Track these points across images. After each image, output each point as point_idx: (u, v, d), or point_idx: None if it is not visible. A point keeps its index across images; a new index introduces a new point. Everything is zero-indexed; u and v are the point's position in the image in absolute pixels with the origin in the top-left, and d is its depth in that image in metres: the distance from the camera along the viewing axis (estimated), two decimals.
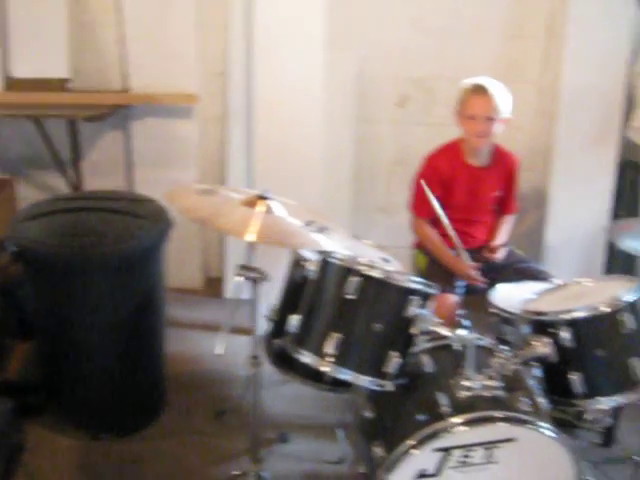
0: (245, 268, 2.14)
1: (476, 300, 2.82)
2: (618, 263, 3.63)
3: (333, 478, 2.72)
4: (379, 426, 2.30)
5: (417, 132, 3.40)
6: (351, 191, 3.88)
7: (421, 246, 3.16)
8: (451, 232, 2.70)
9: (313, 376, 2.48)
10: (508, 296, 2.60)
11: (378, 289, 2.12)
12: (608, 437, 2.95)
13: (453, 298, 2.84)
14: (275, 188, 3.31)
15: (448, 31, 3.71)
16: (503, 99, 2.90)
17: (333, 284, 2.16)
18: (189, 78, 3.69)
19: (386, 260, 2.68)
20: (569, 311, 2.17)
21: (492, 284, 2.82)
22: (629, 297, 2.18)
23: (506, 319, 2.48)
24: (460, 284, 2.95)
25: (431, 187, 2.96)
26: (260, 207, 2.16)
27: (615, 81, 3.58)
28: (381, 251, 2.75)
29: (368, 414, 2.34)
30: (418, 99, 3.78)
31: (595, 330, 2.19)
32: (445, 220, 2.67)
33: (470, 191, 3.03)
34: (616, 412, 2.91)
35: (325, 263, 2.19)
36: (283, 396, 3.15)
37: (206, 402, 3.10)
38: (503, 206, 3.17)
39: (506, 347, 2.37)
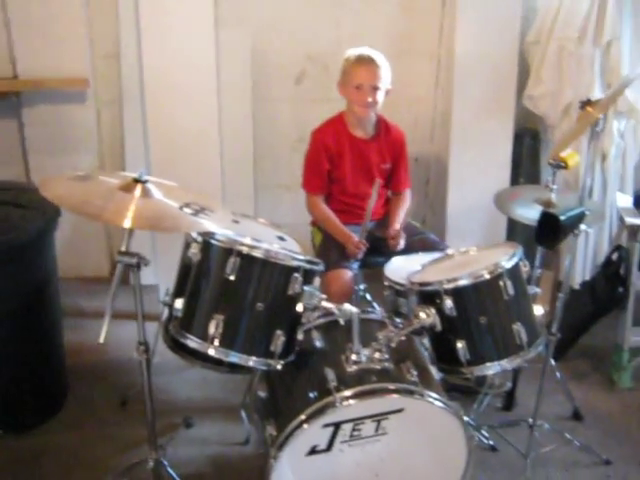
0: (124, 254, 2.09)
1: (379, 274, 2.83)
2: (518, 230, 3.69)
3: (238, 459, 2.72)
4: (272, 405, 2.30)
5: (317, 109, 3.36)
6: (254, 170, 3.84)
7: (316, 223, 3.15)
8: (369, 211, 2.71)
9: (212, 359, 2.44)
10: (401, 268, 2.62)
11: (259, 269, 2.10)
12: (509, 401, 3.04)
13: (348, 273, 2.84)
14: (172, 171, 3.28)
15: (343, 6, 3.69)
16: (386, 68, 2.91)
17: (214, 266, 2.14)
18: (79, 62, 3.58)
19: (282, 238, 2.67)
20: (451, 280, 2.20)
21: (388, 256, 2.83)
22: (508, 263, 2.22)
23: (399, 291, 2.50)
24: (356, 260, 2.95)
25: (320, 163, 2.97)
26: (136, 191, 2.10)
27: (508, 51, 3.63)
28: (277, 229, 2.73)
29: (262, 394, 2.34)
30: (315, 75, 3.76)
31: (477, 297, 2.22)
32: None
33: (357, 163, 3.03)
34: (515, 376, 2.98)
35: (206, 245, 2.16)
36: (188, 381, 3.13)
37: (110, 391, 3.04)
38: (395, 182, 3.16)
39: (399, 319, 2.41)
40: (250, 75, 3.69)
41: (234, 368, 2.43)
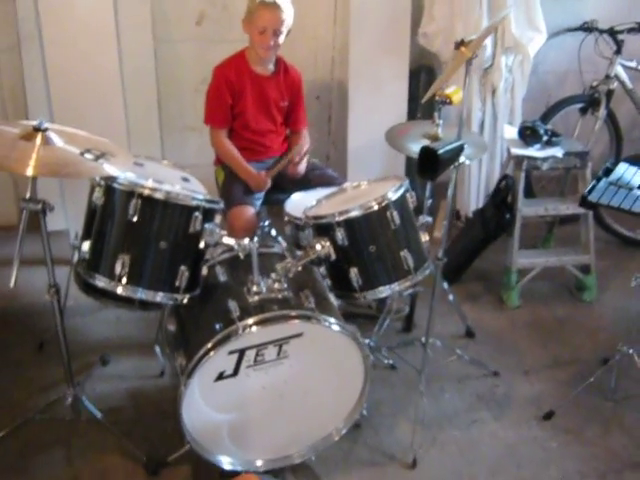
0: (28, 201, 2.15)
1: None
2: (415, 163, 3.86)
3: (154, 391, 2.86)
4: (181, 337, 2.44)
5: (219, 49, 3.38)
6: (158, 112, 3.88)
7: (220, 162, 3.25)
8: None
9: (122, 298, 2.54)
10: (300, 204, 2.74)
11: (160, 210, 2.21)
12: (408, 323, 3.27)
13: (250, 210, 2.97)
14: (76, 116, 3.31)
15: None
16: (290, 11, 2.98)
17: (117, 208, 2.23)
18: None
19: (185, 179, 2.76)
20: (342, 212, 2.36)
21: (290, 193, 2.97)
22: (395, 195, 2.39)
23: (298, 225, 2.63)
24: (258, 195, 3.08)
25: (223, 97, 3.04)
26: (37, 139, 2.15)
27: None
28: (181, 170, 2.81)
29: (172, 327, 2.48)
30: (215, 16, 3.79)
31: (366, 228, 2.39)
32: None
33: (258, 98, 3.11)
34: (412, 301, 3.20)
35: (108, 189, 2.25)
36: (103, 321, 3.24)
37: (26, 335, 3.12)
38: (293, 120, 3.27)
39: (299, 251, 2.55)
40: (150, 16, 3.69)
41: (145, 306, 2.53)
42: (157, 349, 2.89)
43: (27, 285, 3.32)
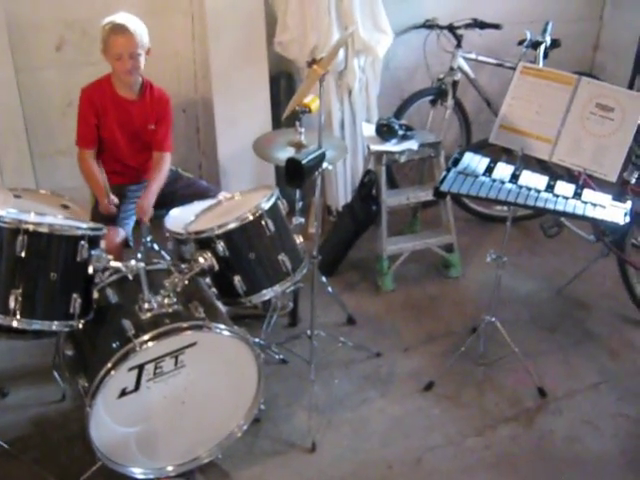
0: None
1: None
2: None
3: (58, 416, 2.93)
4: (80, 360, 2.55)
5: (82, 73, 3.46)
6: (27, 140, 3.89)
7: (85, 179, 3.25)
8: None
9: (16, 330, 2.60)
10: (179, 219, 2.87)
11: (46, 242, 2.30)
12: (293, 318, 3.47)
13: (121, 232, 3.07)
14: None
15: None
16: (142, 32, 3.06)
17: (5, 245, 2.29)
18: None
19: (65, 206, 2.83)
20: (221, 226, 2.53)
21: (168, 208, 3.08)
22: (267, 204, 2.59)
23: (180, 240, 2.76)
24: (129, 215, 3.18)
25: (87, 117, 3.12)
26: None
27: (255, 2, 3.89)
28: (59, 197, 2.88)
29: (69, 352, 2.58)
30: (75, 41, 3.84)
31: (244, 237, 2.58)
32: None
33: (123, 122, 3.19)
34: (295, 296, 3.41)
35: None
36: None
37: None
38: (157, 141, 3.28)
39: (184, 265, 2.69)
40: (8, 47, 3.70)
41: (38, 334, 2.61)
42: (55, 374, 2.96)
43: None
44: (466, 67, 4.41)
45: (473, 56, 4.39)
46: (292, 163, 2.42)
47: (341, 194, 4.26)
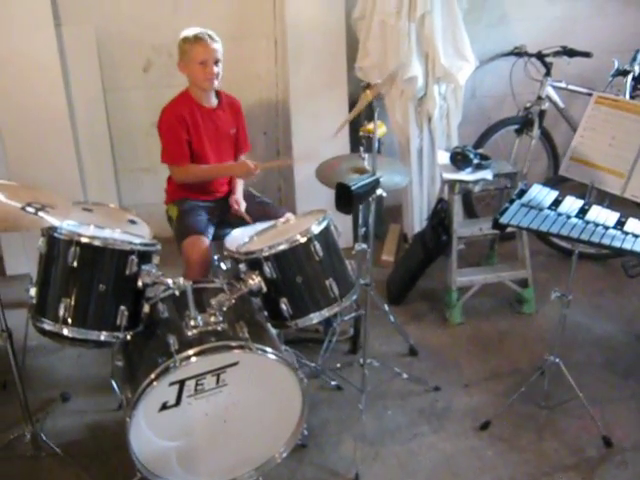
0: None
1: None
2: None
3: (113, 424, 3.00)
4: (128, 371, 2.60)
5: (166, 95, 3.58)
6: (112, 157, 4.06)
7: (172, 199, 3.37)
8: None
9: (76, 339, 2.70)
10: (238, 239, 2.89)
11: (97, 255, 2.39)
12: (354, 345, 3.42)
13: (206, 241, 3.11)
14: (29, 167, 3.49)
15: None
16: (219, 40, 3.15)
17: (58, 255, 2.40)
18: None
19: (132, 221, 2.92)
20: (270, 247, 2.54)
21: (235, 227, 3.11)
22: (318, 228, 2.57)
23: (236, 259, 2.79)
24: (210, 230, 3.22)
25: (178, 133, 3.17)
26: None
27: (336, 27, 3.95)
28: (128, 212, 2.96)
29: (119, 363, 2.64)
30: (161, 63, 3.99)
31: (293, 260, 2.57)
32: None
33: (212, 131, 3.26)
34: (356, 323, 3.37)
35: (50, 238, 2.42)
36: (64, 359, 3.39)
37: None
38: (240, 145, 3.41)
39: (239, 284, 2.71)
40: (99, 67, 3.89)
41: (99, 343, 2.69)
42: (113, 383, 3.04)
43: None
44: (555, 96, 4.28)
45: (563, 85, 4.25)
46: (342, 188, 2.40)
47: (416, 221, 4.20)
